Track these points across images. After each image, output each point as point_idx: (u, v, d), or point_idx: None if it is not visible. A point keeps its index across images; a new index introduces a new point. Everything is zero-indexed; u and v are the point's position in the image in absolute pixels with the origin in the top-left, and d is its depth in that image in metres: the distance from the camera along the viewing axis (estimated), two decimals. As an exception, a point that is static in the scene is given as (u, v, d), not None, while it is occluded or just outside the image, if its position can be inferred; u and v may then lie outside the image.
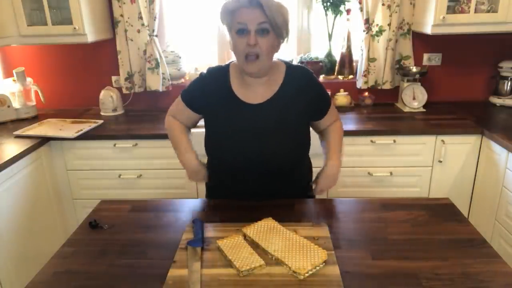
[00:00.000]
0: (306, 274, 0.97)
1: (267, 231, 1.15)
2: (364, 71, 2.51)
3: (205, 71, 1.41)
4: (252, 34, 1.21)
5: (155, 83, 2.54)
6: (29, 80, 2.53)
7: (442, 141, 2.13)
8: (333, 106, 1.47)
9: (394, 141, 2.16)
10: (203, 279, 0.98)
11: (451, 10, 2.23)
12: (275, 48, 1.29)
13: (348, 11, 2.54)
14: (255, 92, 1.34)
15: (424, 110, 2.43)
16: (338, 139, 1.47)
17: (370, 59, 2.50)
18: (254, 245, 1.10)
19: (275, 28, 1.23)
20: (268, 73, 1.33)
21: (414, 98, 2.44)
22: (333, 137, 1.46)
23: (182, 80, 2.72)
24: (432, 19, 2.17)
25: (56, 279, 1.02)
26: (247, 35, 1.22)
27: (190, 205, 1.38)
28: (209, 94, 1.36)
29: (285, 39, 1.31)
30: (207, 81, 1.38)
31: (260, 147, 1.31)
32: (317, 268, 1.00)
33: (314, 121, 1.45)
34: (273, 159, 1.33)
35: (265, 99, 1.33)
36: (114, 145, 2.21)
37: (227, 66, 1.40)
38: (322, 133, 1.51)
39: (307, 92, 1.36)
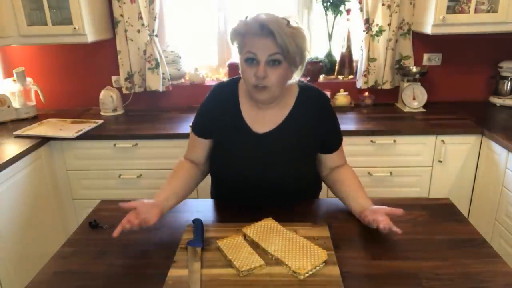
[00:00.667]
0: (306, 274, 0.97)
1: (267, 231, 1.15)
2: (364, 71, 2.51)
3: (210, 92, 1.34)
4: (261, 65, 1.14)
5: (155, 83, 2.54)
6: (29, 80, 2.53)
7: (442, 141, 2.13)
8: (342, 148, 1.38)
9: (394, 141, 2.16)
10: (203, 279, 0.98)
11: (451, 10, 2.23)
12: (287, 77, 1.21)
13: (348, 11, 2.54)
14: (264, 117, 1.27)
15: (424, 110, 2.43)
16: (360, 184, 1.31)
17: (370, 59, 2.50)
18: (254, 245, 1.10)
19: (287, 58, 1.14)
20: (279, 98, 1.26)
21: (414, 98, 2.44)
22: (356, 183, 1.30)
23: (182, 80, 2.72)
24: (432, 19, 2.17)
25: (56, 279, 1.02)
26: (256, 65, 1.15)
27: (190, 205, 1.38)
28: (219, 116, 1.30)
29: (299, 67, 1.21)
30: (215, 102, 1.32)
31: (265, 174, 1.27)
32: (317, 268, 1.00)
33: (322, 153, 1.35)
34: (278, 185, 1.28)
35: (274, 125, 1.27)
36: (114, 145, 2.21)
37: (236, 82, 1.32)
38: (331, 176, 1.36)
39: (319, 119, 1.29)
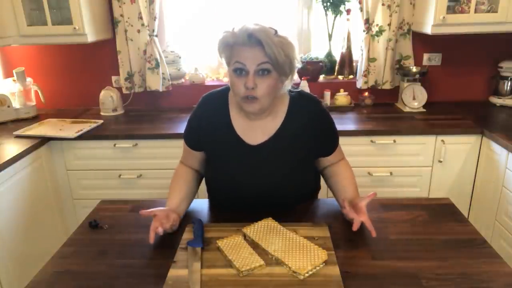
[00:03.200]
0: (306, 274, 0.97)
1: (267, 231, 1.15)
2: (364, 71, 2.50)
3: (199, 103, 1.32)
4: (251, 75, 1.12)
5: (155, 83, 2.54)
6: (29, 80, 2.53)
7: (442, 141, 2.13)
8: (339, 145, 1.37)
9: (394, 141, 2.16)
10: (203, 279, 0.98)
11: (451, 10, 2.23)
12: (277, 87, 1.18)
13: (348, 11, 2.54)
14: (255, 128, 1.25)
15: (424, 110, 2.43)
16: (354, 178, 1.33)
17: (370, 59, 2.50)
18: (254, 245, 1.10)
19: (276, 67, 1.12)
20: (270, 108, 1.23)
21: (414, 98, 2.44)
22: (349, 177, 1.32)
23: (182, 80, 2.72)
24: (432, 19, 2.17)
25: (56, 279, 1.02)
26: (245, 76, 1.13)
27: (190, 205, 1.38)
28: (209, 128, 1.28)
29: (289, 77, 1.19)
30: (205, 114, 1.29)
31: (260, 185, 1.26)
32: (317, 268, 1.00)
33: (319, 157, 1.35)
34: (273, 195, 1.27)
35: (266, 137, 1.25)
36: (114, 145, 2.21)
37: (226, 92, 1.30)
38: (327, 171, 1.37)
39: (313, 127, 1.27)
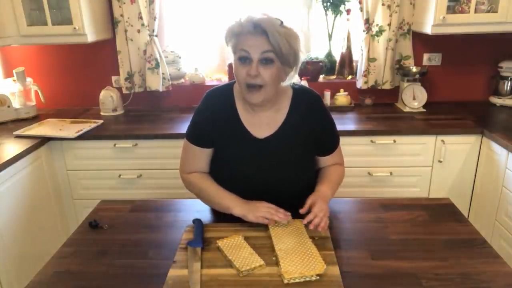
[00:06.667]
0: (291, 281, 0.96)
1: (289, 231, 1.14)
2: (364, 71, 2.50)
3: (204, 99, 1.31)
4: (254, 63, 1.14)
5: (155, 83, 2.54)
6: (29, 80, 2.53)
7: (442, 141, 2.13)
8: (340, 149, 1.38)
9: (394, 141, 2.16)
10: (203, 279, 0.98)
11: (451, 10, 2.23)
12: (281, 77, 1.20)
13: (348, 11, 2.54)
14: (260, 120, 1.26)
15: (424, 110, 2.43)
16: (336, 176, 1.34)
17: (370, 59, 2.50)
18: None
19: (280, 57, 1.14)
20: (273, 100, 1.25)
21: (414, 98, 2.44)
22: (331, 174, 1.33)
23: (182, 80, 2.72)
24: (432, 19, 2.17)
25: (56, 279, 1.03)
26: (249, 64, 1.15)
27: (190, 205, 1.39)
28: (217, 123, 1.27)
29: (294, 69, 1.21)
30: (211, 109, 1.29)
31: (266, 178, 1.26)
32: (306, 278, 0.97)
33: (318, 155, 1.35)
34: (280, 188, 1.27)
35: (272, 130, 1.26)
36: (114, 145, 2.21)
37: (230, 87, 1.31)
38: (319, 172, 1.37)
39: (315, 119, 1.29)
